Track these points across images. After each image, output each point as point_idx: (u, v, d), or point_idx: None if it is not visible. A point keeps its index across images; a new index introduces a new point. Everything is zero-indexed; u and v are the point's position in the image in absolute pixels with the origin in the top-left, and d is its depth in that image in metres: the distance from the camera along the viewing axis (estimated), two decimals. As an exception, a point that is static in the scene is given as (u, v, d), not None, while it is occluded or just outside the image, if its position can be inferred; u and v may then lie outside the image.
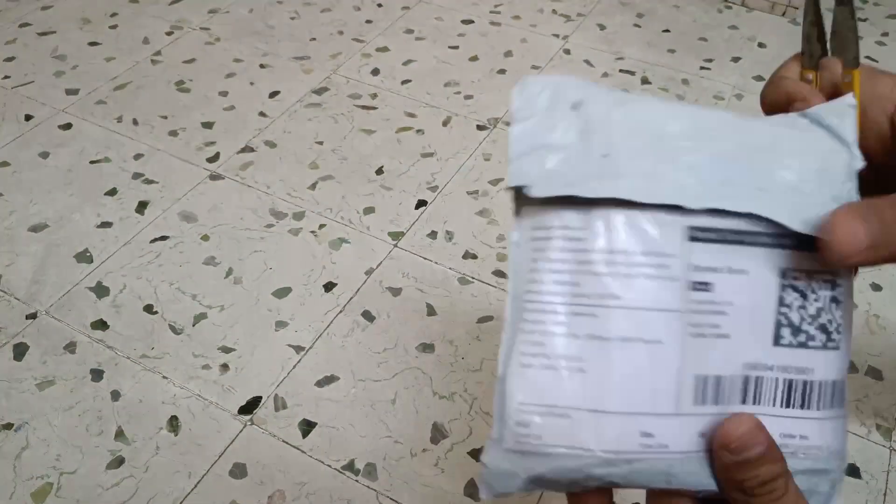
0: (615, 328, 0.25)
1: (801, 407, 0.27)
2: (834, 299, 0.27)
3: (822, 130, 0.28)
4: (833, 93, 0.30)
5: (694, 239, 0.25)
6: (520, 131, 0.27)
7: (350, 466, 0.84)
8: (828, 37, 0.32)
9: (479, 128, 1.30)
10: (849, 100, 0.29)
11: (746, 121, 0.28)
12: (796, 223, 0.26)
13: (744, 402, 0.26)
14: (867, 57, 1.51)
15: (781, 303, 0.26)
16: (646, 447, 0.25)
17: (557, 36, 1.53)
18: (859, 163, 0.28)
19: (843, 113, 0.29)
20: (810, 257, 0.26)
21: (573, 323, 0.26)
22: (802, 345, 0.27)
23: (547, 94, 0.28)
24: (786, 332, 0.26)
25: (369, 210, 1.14)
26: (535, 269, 0.26)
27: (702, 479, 0.26)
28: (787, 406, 0.27)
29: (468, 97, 1.36)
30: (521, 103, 0.28)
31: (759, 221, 0.26)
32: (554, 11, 1.61)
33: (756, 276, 0.26)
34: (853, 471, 0.85)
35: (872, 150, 0.30)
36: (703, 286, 0.25)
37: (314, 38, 1.50)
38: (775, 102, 0.31)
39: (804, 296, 0.27)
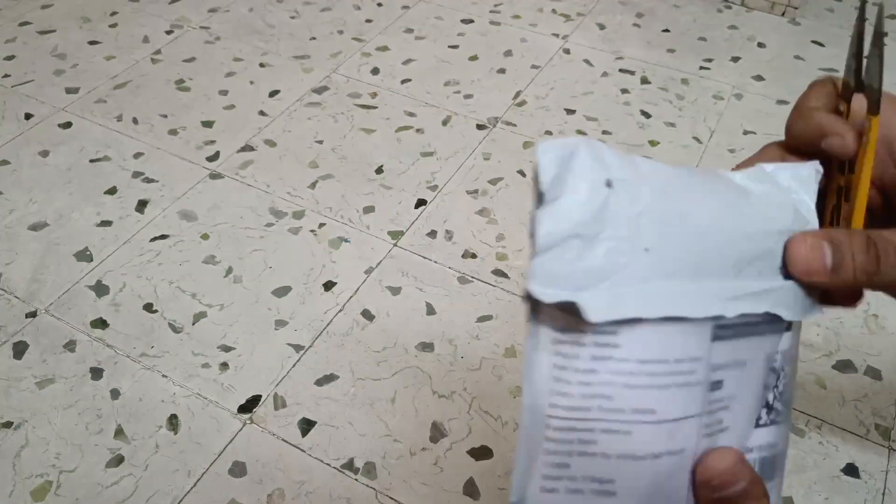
0: (649, 445, 0.23)
1: (768, 479, 0.26)
2: (794, 371, 0.27)
3: (783, 195, 0.27)
4: (860, 132, 0.29)
5: (716, 338, 0.24)
6: (550, 214, 0.23)
7: (349, 465, 0.84)
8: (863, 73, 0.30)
9: (479, 127, 1.30)
10: (815, 166, 0.28)
11: (745, 200, 0.26)
12: (796, 313, 0.25)
13: None
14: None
15: (766, 386, 0.26)
16: None
17: (557, 35, 1.53)
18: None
19: (806, 180, 0.27)
20: (785, 337, 0.26)
21: (605, 441, 0.23)
22: (773, 422, 0.26)
23: (579, 161, 0.23)
24: (763, 412, 0.26)
25: (369, 209, 1.14)
26: (561, 380, 0.23)
27: None
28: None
29: (468, 96, 1.36)
30: (550, 173, 0.23)
31: (761, 314, 0.25)
32: (554, 11, 1.61)
33: (751, 365, 0.25)
34: (852, 470, 0.85)
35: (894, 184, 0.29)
36: (717, 385, 0.24)
37: (314, 38, 1.50)
38: (804, 136, 0.30)
39: (778, 375, 0.26)
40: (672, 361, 0.23)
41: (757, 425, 0.26)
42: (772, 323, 0.25)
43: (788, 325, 0.26)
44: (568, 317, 0.23)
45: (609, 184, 0.23)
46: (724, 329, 0.24)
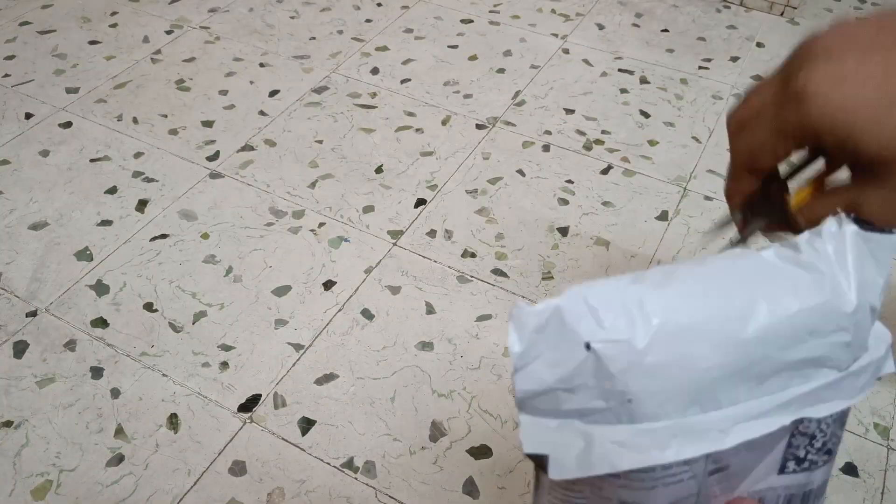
0: None
1: None
2: (841, 424, 0.27)
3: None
4: None
5: (714, 463, 0.25)
6: (524, 377, 0.24)
7: (349, 464, 0.84)
8: None
9: (479, 127, 1.30)
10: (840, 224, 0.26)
11: (767, 290, 0.25)
12: (825, 411, 0.25)
13: None
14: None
15: (789, 446, 0.26)
16: None
17: (556, 35, 1.54)
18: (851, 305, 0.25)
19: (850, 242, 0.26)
20: (826, 408, 0.26)
21: None
22: (806, 469, 0.27)
23: (552, 328, 0.23)
24: (791, 464, 0.26)
25: (369, 209, 1.14)
26: None
27: None
28: None
29: (467, 96, 1.36)
30: (521, 347, 0.23)
31: None
32: (553, 11, 1.61)
33: (766, 442, 0.25)
34: (850, 469, 0.86)
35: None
36: (720, 469, 0.25)
37: (314, 38, 1.50)
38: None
39: (812, 438, 0.26)
40: (659, 469, 0.24)
41: (782, 472, 0.26)
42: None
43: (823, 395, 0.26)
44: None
45: (588, 346, 0.23)
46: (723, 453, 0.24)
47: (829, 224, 0.26)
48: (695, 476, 0.24)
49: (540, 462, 0.24)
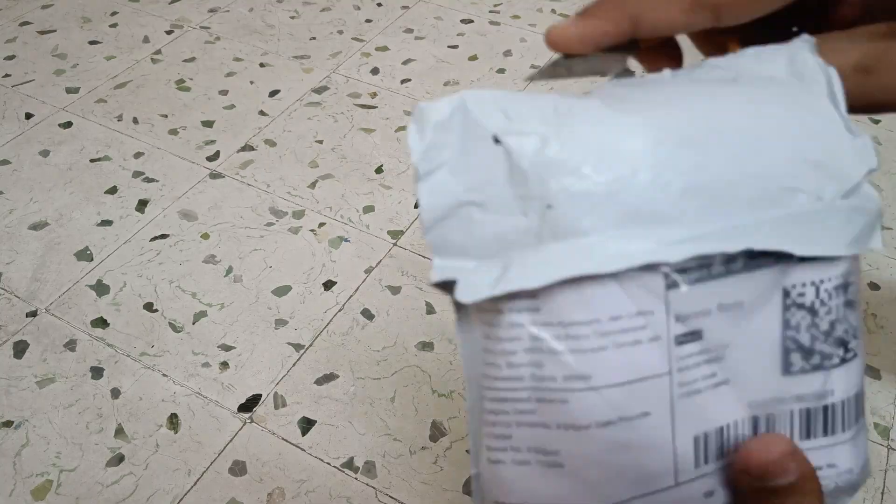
0: (590, 414, 0.20)
1: (825, 434, 0.23)
2: (848, 303, 0.23)
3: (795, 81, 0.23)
4: None
5: (673, 285, 0.21)
6: (430, 189, 0.21)
7: (349, 464, 0.84)
8: None
9: (479, 127, 1.30)
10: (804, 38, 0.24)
11: (713, 98, 0.22)
12: (805, 247, 0.21)
13: None
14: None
15: (787, 326, 0.22)
16: None
17: (557, 35, 1.54)
18: (848, 127, 0.22)
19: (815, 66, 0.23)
20: (817, 266, 0.22)
21: (541, 411, 0.21)
22: (818, 367, 0.22)
23: (456, 123, 0.21)
24: (796, 357, 0.22)
25: (369, 209, 1.14)
26: (488, 351, 0.21)
27: None
28: (809, 437, 0.23)
29: (468, 96, 1.36)
30: (422, 146, 0.21)
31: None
32: (553, 11, 1.61)
33: (753, 305, 0.21)
34: (850, 469, 0.86)
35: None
36: (691, 336, 0.21)
37: (314, 38, 1.50)
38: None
39: (813, 312, 0.22)
40: (606, 320, 0.20)
41: (788, 371, 0.22)
42: (775, 254, 0.21)
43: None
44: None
45: (497, 140, 0.20)
46: (689, 272, 0.21)
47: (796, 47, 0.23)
48: (657, 339, 0.20)
49: (450, 289, 0.21)
